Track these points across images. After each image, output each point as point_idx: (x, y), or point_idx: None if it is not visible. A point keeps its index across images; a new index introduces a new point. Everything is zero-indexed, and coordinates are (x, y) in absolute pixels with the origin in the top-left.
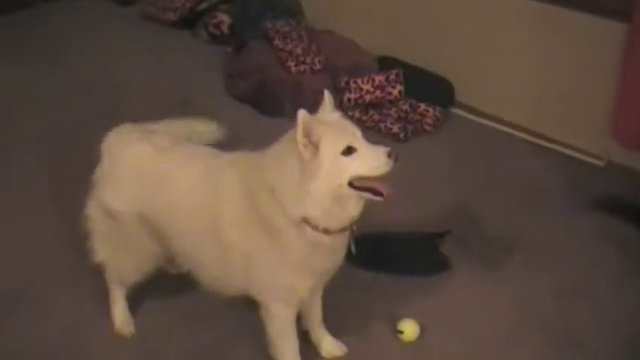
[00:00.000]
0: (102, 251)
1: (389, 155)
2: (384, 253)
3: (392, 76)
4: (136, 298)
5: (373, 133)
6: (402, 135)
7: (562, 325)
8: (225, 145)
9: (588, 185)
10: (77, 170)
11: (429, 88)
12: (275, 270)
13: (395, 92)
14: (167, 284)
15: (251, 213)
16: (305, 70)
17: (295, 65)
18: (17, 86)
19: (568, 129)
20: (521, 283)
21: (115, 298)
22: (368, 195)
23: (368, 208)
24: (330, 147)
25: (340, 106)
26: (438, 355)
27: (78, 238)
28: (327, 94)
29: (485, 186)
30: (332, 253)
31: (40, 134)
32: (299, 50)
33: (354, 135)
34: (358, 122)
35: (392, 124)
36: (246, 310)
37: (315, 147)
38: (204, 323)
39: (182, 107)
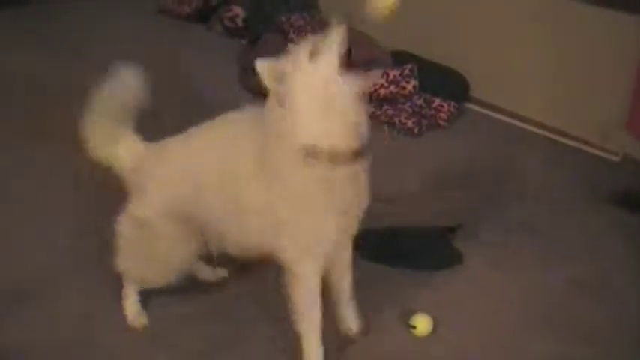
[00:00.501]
0: (127, 261)
1: None
2: (397, 248)
3: (406, 71)
4: (146, 291)
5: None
6: (416, 130)
7: (575, 319)
8: None
9: (603, 180)
10: (92, 166)
11: (444, 82)
12: (297, 217)
13: (409, 87)
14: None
15: (263, 164)
16: None
17: None
18: (32, 78)
19: (582, 123)
20: (534, 278)
21: (128, 292)
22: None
23: (380, 202)
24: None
25: None
26: (451, 348)
27: (86, 233)
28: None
29: (498, 180)
30: (350, 185)
31: (55, 126)
32: None
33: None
34: (372, 117)
35: (406, 118)
36: (257, 305)
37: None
38: (216, 317)
39: (196, 100)
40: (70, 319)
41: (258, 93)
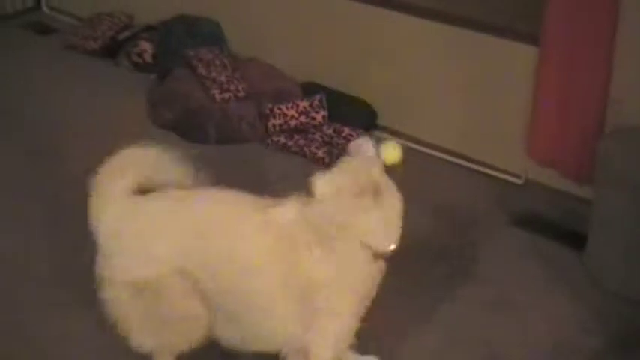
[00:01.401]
0: (145, 337)
1: None
2: None
3: (315, 102)
4: None
5: (299, 158)
6: (327, 159)
7: (486, 340)
8: None
9: (509, 203)
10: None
11: (352, 112)
12: (342, 303)
13: (319, 117)
14: None
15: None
16: (229, 97)
17: (219, 93)
18: None
19: (487, 149)
20: (446, 299)
21: None
22: None
23: None
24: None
25: (265, 132)
26: None
27: (52, 254)
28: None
29: (408, 205)
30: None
31: None
32: (222, 78)
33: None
34: (283, 148)
35: (317, 148)
36: None
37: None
38: None
39: (105, 136)
40: (45, 341)
41: (168, 128)
